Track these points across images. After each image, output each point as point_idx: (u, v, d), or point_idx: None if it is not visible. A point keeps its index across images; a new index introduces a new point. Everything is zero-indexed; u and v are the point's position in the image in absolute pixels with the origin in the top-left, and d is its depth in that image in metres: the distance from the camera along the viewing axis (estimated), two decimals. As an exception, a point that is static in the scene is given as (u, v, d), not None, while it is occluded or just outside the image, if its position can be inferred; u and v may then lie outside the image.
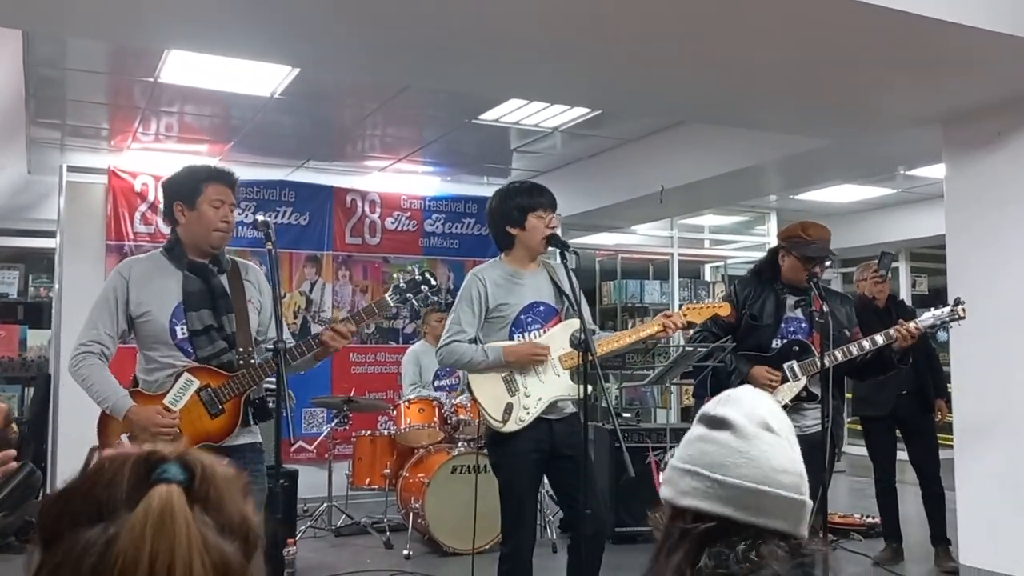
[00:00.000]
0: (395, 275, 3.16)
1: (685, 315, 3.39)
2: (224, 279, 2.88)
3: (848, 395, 4.99)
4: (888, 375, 3.89)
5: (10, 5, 3.10)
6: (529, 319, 3.34)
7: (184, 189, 2.84)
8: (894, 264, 4.97)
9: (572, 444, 3.27)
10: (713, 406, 1.20)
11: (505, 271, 3.37)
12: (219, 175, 2.86)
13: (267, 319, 2.96)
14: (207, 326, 2.80)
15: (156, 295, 2.80)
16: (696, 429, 1.21)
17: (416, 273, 3.01)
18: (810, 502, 1.15)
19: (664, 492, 1.20)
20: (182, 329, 2.79)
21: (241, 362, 2.81)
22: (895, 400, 4.93)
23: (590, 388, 3.17)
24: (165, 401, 2.74)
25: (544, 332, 3.36)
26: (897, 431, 5.13)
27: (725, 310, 3.51)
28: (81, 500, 0.75)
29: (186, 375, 2.77)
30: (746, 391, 1.22)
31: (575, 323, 3.22)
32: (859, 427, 5.41)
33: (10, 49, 4.31)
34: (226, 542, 0.75)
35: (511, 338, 3.32)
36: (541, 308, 3.37)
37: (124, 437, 2.73)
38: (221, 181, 2.84)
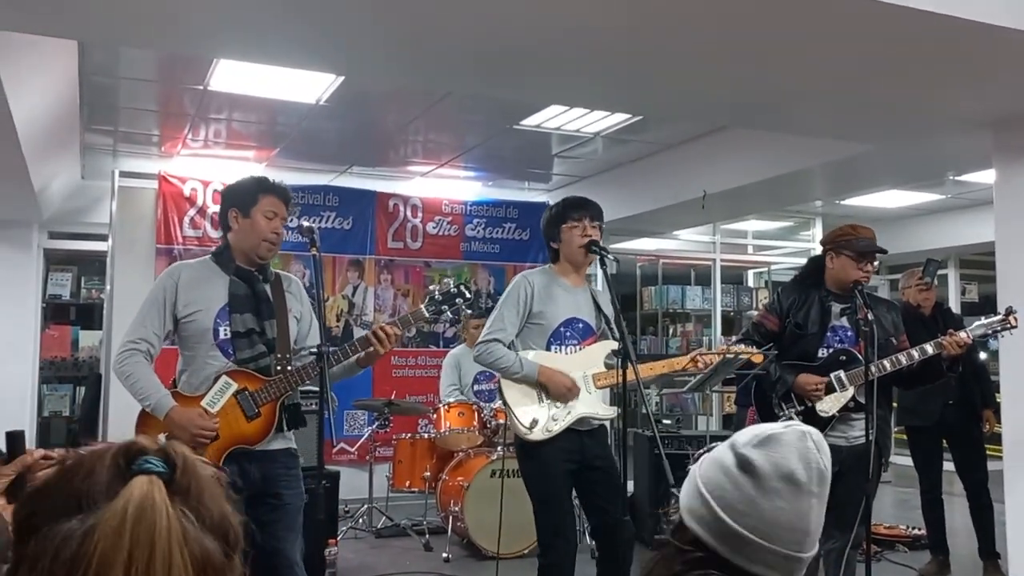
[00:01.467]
0: (431, 287, 3.20)
1: (720, 355, 3.43)
2: (268, 288, 2.96)
3: (893, 404, 4.90)
4: (935, 384, 3.82)
5: (66, 17, 3.20)
6: (568, 333, 3.38)
7: (241, 197, 2.94)
8: (941, 271, 4.87)
9: (601, 455, 3.33)
10: (749, 441, 1.21)
11: (553, 280, 3.43)
12: (275, 189, 2.96)
13: (306, 329, 3.04)
14: (249, 329, 2.87)
15: (203, 297, 2.88)
16: (726, 455, 1.22)
17: (452, 285, 3.05)
18: (807, 556, 1.19)
19: (681, 499, 1.25)
20: (225, 330, 2.86)
21: (279, 367, 2.86)
22: (941, 410, 4.84)
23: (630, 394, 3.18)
24: (203, 403, 2.80)
25: (580, 348, 3.39)
26: (944, 442, 5.03)
27: (759, 359, 3.50)
28: (59, 493, 0.73)
29: (224, 377, 2.83)
30: (790, 434, 1.21)
31: (612, 344, 3.28)
32: (904, 436, 5.32)
33: (65, 58, 4.44)
34: (207, 537, 0.73)
35: (548, 349, 3.35)
36: (580, 325, 3.40)
37: (162, 437, 2.79)
38: (276, 195, 2.94)
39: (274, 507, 2.85)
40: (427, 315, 3.04)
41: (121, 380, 2.85)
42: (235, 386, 2.83)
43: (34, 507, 0.74)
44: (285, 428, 2.90)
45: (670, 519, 1.27)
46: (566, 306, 3.39)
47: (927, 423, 4.93)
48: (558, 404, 3.29)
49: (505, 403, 3.35)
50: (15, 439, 1.40)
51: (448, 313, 3.04)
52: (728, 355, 3.51)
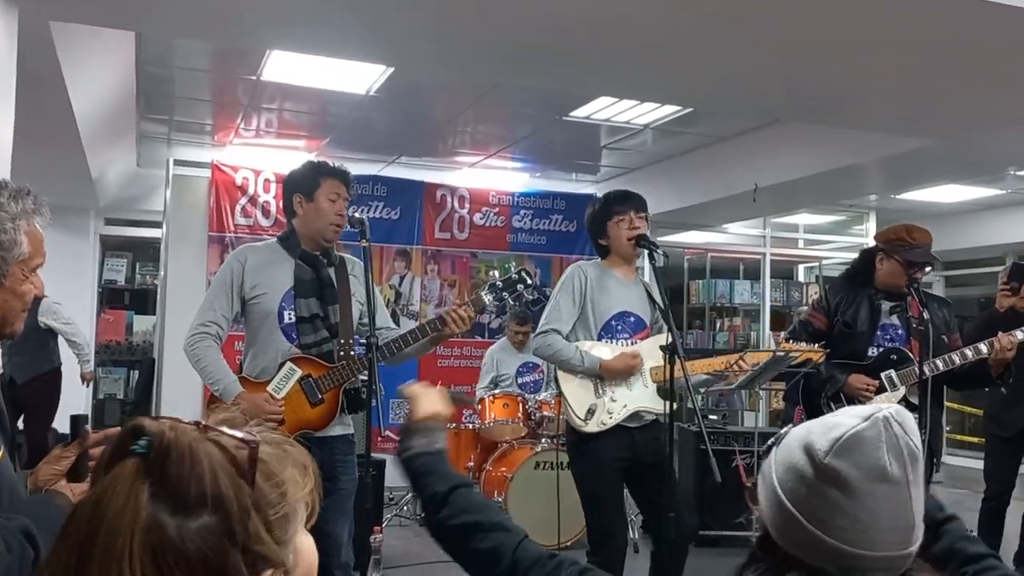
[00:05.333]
0: (492, 272, 3.20)
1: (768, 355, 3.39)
2: (332, 272, 3.00)
3: (980, 411, 4.67)
4: (988, 387, 3.68)
5: (126, 9, 3.27)
6: (619, 327, 3.35)
7: (304, 182, 2.99)
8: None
9: (654, 451, 3.29)
10: (829, 448, 1.09)
11: (605, 272, 3.41)
12: (337, 172, 3.01)
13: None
14: (313, 314, 2.92)
15: (269, 280, 2.94)
16: (806, 466, 1.10)
17: (513, 271, 3.03)
18: (915, 549, 1.11)
19: (764, 513, 1.15)
20: (290, 314, 2.92)
21: (341, 353, 2.91)
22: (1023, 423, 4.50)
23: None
24: (269, 388, 2.87)
25: (632, 343, 3.36)
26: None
27: (818, 358, 3.43)
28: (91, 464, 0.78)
29: (289, 364, 2.88)
30: (871, 428, 1.09)
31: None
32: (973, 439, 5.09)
33: (123, 49, 4.53)
34: (184, 518, 0.71)
35: (599, 340, 3.33)
36: (632, 319, 3.38)
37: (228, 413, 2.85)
38: (338, 177, 2.99)
39: (329, 491, 2.86)
40: (486, 302, 3.03)
41: (191, 362, 2.93)
42: (299, 372, 2.88)
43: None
44: (347, 411, 2.95)
45: (752, 529, 1.21)
46: (619, 299, 3.36)
47: (1008, 434, 4.61)
48: (615, 398, 3.27)
49: (561, 393, 3.33)
50: (78, 422, 1.44)
51: (509, 300, 3.03)
52: (779, 352, 3.46)
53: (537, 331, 3.37)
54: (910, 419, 1.13)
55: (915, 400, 3.45)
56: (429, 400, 1.58)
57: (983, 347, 3.44)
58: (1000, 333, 3.44)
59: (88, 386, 6.68)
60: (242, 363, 3.03)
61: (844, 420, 1.12)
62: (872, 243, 3.78)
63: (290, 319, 2.91)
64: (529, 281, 3.02)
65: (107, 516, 0.71)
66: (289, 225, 3.06)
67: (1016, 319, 4.35)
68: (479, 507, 1.38)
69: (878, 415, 1.11)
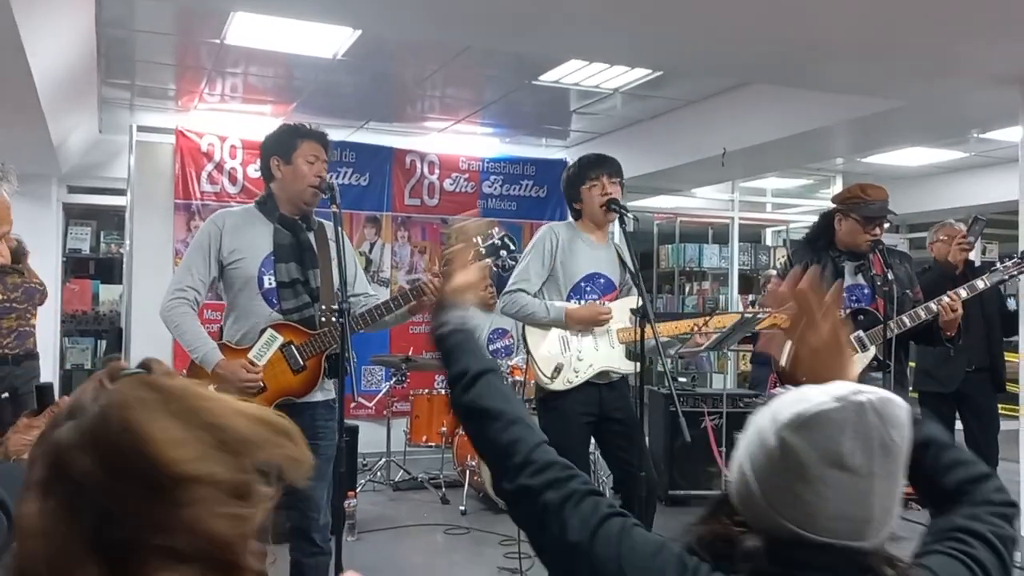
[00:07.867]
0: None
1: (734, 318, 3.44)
2: (311, 237, 2.98)
3: (910, 364, 4.75)
4: (937, 347, 3.72)
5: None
6: (588, 288, 3.39)
7: (281, 145, 2.95)
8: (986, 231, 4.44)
9: (621, 408, 3.36)
10: (791, 422, 1.03)
11: (576, 234, 3.45)
12: (314, 134, 2.97)
13: (351, 277, 3.03)
14: (293, 279, 2.91)
15: (248, 244, 2.91)
16: (768, 433, 1.06)
17: (496, 236, 2.99)
18: (871, 545, 1.04)
19: (731, 468, 1.12)
20: (269, 279, 2.90)
21: (323, 319, 2.90)
22: (962, 377, 4.58)
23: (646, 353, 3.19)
24: (250, 355, 2.86)
25: (600, 303, 3.40)
26: (957, 411, 4.75)
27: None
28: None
29: (270, 331, 2.87)
30: (843, 409, 1.01)
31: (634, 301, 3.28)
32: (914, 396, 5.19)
33: (82, 10, 4.41)
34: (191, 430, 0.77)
35: (568, 301, 3.37)
36: (602, 280, 3.42)
37: (211, 388, 2.84)
38: (316, 139, 2.95)
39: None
40: None
41: (169, 328, 2.91)
42: (280, 339, 2.87)
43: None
44: (328, 376, 2.94)
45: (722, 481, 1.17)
46: (589, 261, 3.40)
47: (944, 390, 4.65)
48: (581, 357, 3.32)
49: (528, 352, 3.37)
50: (44, 392, 1.42)
51: (492, 265, 2.99)
52: (746, 315, 3.50)
53: (504, 290, 3.39)
54: (897, 410, 1.04)
55: (884, 358, 3.50)
56: (463, 267, 1.54)
57: (946, 298, 3.48)
58: (943, 295, 3.48)
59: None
60: (222, 328, 3.01)
61: (815, 395, 1.05)
62: (832, 206, 3.81)
63: (270, 284, 2.90)
64: (512, 247, 2.99)
65: (134, 413, 0.76)
66: (267, 189, 3.02)
67: (961, 274, 4.32)
68: (508, 397, 1.34)
69: (855, 398, 1.02)
